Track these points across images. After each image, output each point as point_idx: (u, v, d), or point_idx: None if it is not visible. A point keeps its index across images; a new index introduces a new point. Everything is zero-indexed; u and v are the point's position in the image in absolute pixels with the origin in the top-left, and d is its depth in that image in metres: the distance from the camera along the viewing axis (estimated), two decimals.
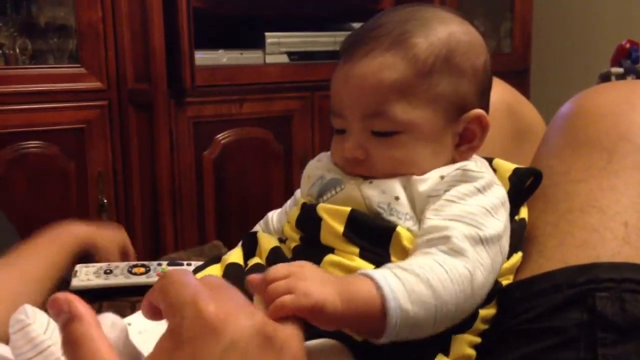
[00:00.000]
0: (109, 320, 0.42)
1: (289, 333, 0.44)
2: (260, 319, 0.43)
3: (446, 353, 0.53)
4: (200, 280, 0.44)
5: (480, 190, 0.56)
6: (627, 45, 1.94)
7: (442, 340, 0.53)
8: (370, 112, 0.58)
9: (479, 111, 0.60)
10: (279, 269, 0.46)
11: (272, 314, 0.44)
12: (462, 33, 0.60)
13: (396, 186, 0.57)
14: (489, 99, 0.64)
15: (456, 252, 0.51)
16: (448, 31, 0.60)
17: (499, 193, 0.58)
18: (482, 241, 0.53)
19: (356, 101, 0.59)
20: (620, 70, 1.88)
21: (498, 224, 0.55)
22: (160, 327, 0.50)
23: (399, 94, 0.58)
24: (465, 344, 0.55)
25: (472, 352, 0.55)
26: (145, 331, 0.49)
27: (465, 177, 0.57)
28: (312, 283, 0.45)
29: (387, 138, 0.58)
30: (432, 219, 0.54)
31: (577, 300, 0.56)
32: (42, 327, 0.42)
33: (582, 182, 0.63)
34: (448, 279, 0.50)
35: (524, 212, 0.62)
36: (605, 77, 1.88)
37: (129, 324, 0.49)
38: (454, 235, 0.52)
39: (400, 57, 0.58)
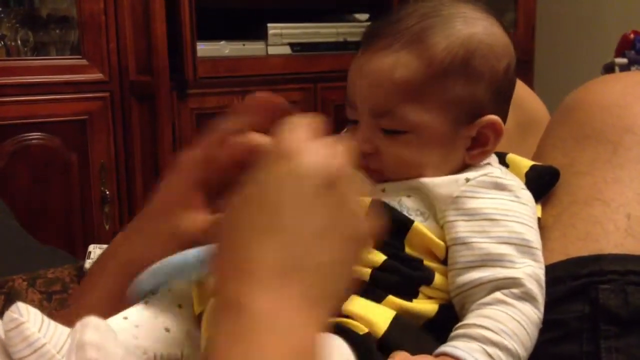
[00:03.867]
0: (91, 324, 0.42)
1: (355, 193, 0.43)
2: (337, 164, 0.43)
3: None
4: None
5: (513, 201, 0.56)
6: (632, 36, 1.92)
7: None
8: (379, 110, 0.57)
9: (493, 117, 0.58)
10: None
11: None
12: (485, 34, 0.58)
13: (407, 187, 0.57)
14: (508, 103, 0.61)
15: (530, 296, 0.52)
16: (469, 32, 0.57)
17: (530, 200, 0.57)
18: (540, 271, 0.54)
19: (367, 96, 0.58)
20: (625, 60, 1.87)
21: (536, 235, 0.55)
22: (156, 320, 0.50)
23: (410, 95, 0.56)
24: None
25: None
26: (141, 325, 0.49)
27: (494, 185, 0.56)
28: None
29: (396, 136, 0.57)
30: (482, 242, 0.53)
31: (579, 293, 0.56)
32: (37, 326, 0.42)
33: (586, 174, 0.63)
34: (527, 338, 0.50)
35: (538, 211, 0.61)
36: (609, 68, 1.86)
37: (125, 318, 0.49)
38: (524, 279, 0.52)
39: (416, 56, 0.56)
